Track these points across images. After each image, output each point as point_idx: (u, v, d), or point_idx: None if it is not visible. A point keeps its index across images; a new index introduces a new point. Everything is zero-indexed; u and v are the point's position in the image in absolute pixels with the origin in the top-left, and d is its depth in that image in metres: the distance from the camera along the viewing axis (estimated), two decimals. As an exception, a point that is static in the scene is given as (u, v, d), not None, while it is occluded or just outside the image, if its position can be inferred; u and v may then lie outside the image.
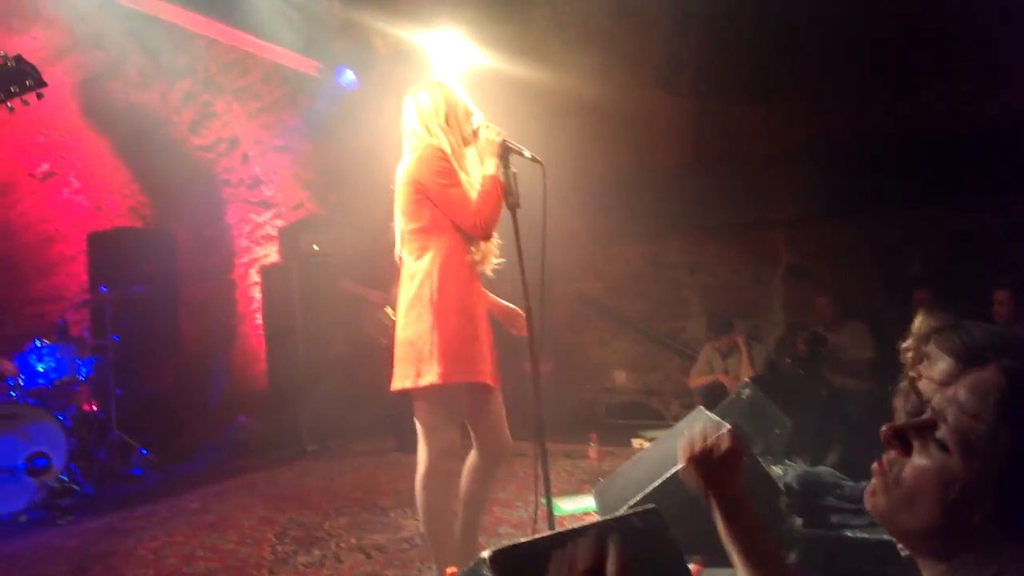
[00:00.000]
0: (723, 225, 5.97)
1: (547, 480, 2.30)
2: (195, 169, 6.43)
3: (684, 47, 5.57)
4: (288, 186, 6.43)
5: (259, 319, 6.27)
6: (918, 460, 0.77)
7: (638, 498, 2.53)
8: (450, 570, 1.86)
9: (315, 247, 5.99)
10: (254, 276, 6.42)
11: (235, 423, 5.87)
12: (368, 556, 3.03)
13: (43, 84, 1.87)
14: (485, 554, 1.41)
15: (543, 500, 2.36)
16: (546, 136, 5.55)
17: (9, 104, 1.81)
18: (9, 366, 4.79)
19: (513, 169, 2.34)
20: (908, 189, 5.11)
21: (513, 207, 2.32)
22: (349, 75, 5.87)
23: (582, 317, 6.35)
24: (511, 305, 2.54)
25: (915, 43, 5.16)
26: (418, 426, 2.36)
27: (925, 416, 0.79)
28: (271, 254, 6.40)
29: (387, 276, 5.46)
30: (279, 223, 6.36)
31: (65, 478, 4.20)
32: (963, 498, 0.72)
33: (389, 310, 5.33)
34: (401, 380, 2.32)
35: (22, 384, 4.50)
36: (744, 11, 5.21)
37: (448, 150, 2.34)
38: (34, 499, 4.03)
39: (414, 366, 2.28)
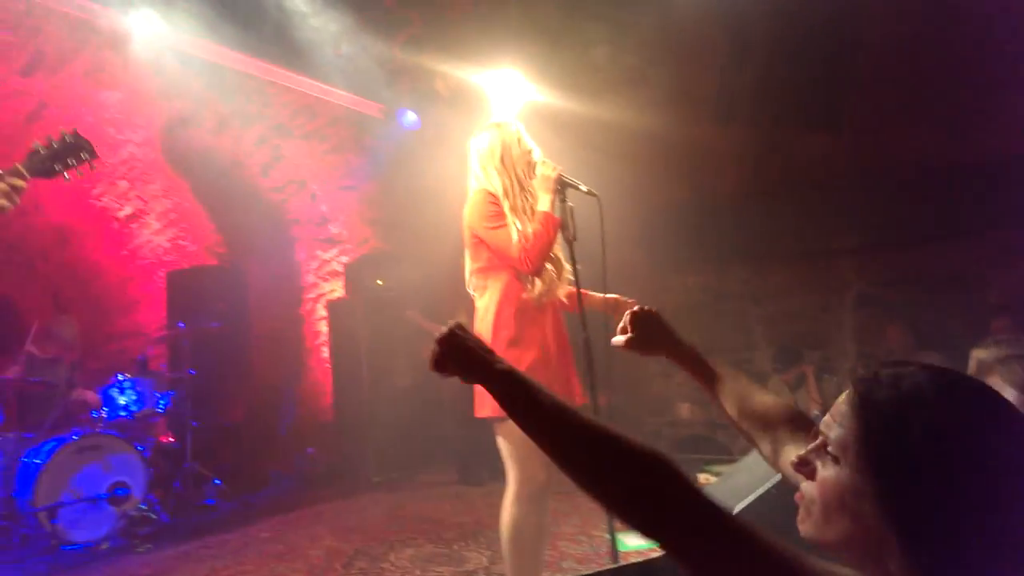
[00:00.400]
0: (788, 254, 5.85)
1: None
2: (266, 209, 6.72)
3: (741, 77, 5.56)
4: (353, 224, 6.64)
5: (326, 352, 6.44)
6: (820, 476, 0.82)
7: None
8: None
9: (379, 282, 6.14)
10: (321, 311, 6.62)
11: (303, 454, 6.02)
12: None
13: (95, 156, 2.12)
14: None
15: (607, 535, 2.34)
16: (603, 168, 5.60)
17: (66, 174, 2.05)
18: (93, 398, 5.06)
19: (570, 203, 2.41)
20: (983, 214, 4.92)
21: (570, 240, 2.38)
22: (411, 116, 6.06)
23: (643, 349, 6.29)
24: (611, 295, 2.53)
25: (988, 63, 5.01)
26: (504, 456, 2.41)
27: (819, 438, 0.84)
28: (337, 289, 6.60)
29: (449, 309, 5.57)
30: (345, 259, 6.56)
31: (144, 507, 4.38)
32: (863, 506, 0.75)
33: (451, 343, 5.41)
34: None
35: (105, 416, 4.74)
36: (802, 38, 5.18)
37: (501, 190, 2.44)
38: (115, 527, 4.21)
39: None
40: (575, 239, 2.37)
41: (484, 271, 2.47)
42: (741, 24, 5.34)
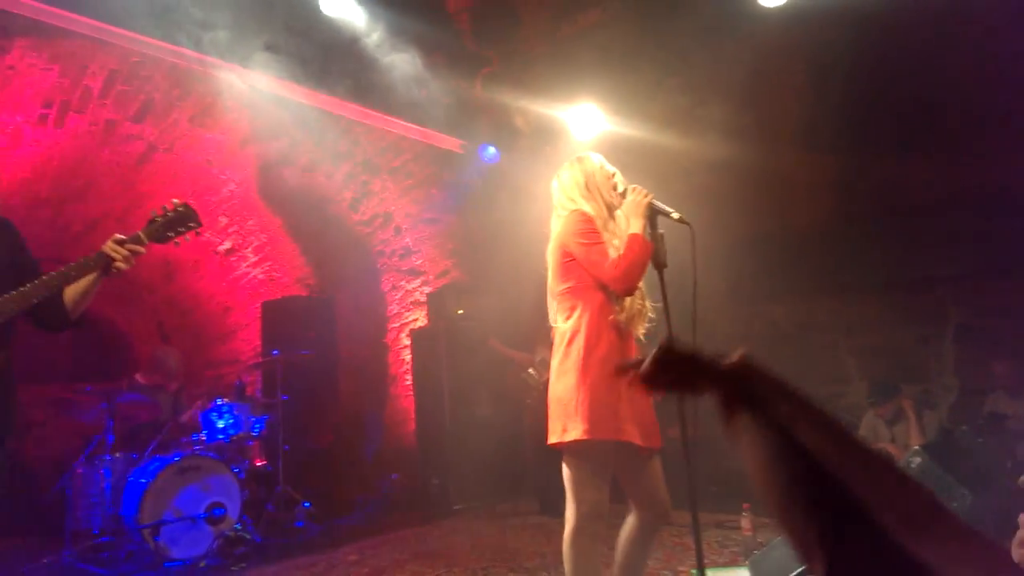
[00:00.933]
0: (881, 283, 5.61)
1: (699, 550, 2.23)
2: (355, 242, 7.00)
3: (822, 102, 5.44)
4: (435, 255, 6.82)
5: (409, 380, 6.59)
6: None
7: (798, 572, 2.40)
8: None
9: (460, 311, 6.27)
10: (404, 340, 6.80)
11: (388, 480, 6.14)
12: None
13: (201, 225, 2.36)
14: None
15: (693, 572, 2.29)
16: (684, 200, 5.55)
17: (176, 240, 2.31)
18: (194, 422, 5.36)
19: (660, 231, 2.39)
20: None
21: (660, 267, 2.35)
22: (491, 150, 6.21)
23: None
24: None
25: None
26: (566, 483, 2.36)
27: None
28: (420, 318, 6.76)
29: (530, 338, 5.62)
30: (427, 289, 6.73)
31: (238, 527, 4.57)
32: None
33: (532, 371, 5.44)
34: (551, 435, 2.36)
35: (204, 439, 5.00)
36: (886, 60, 5.02)
37: (592, 214, 2.43)
38: (212, 546, 4.41)
39: (561, 422, 2.32)
40: (666, 266, 2.34)
41: (573, 292, 2.43)
42: (822, 49, 5.24)
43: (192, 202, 2.39)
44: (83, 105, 4.88)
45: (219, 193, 6.57)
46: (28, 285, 2.00)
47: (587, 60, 5.64)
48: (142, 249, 2.15)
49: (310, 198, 6.71)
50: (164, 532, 4.37)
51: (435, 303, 6.46)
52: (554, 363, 2.44)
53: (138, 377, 5.71)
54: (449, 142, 6.24)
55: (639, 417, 2.33)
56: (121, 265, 2.11)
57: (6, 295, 1.97)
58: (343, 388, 7.11)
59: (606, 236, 2.40)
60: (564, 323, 2.43)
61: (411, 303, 6.91)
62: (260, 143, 6.01)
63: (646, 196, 2.41)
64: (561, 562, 2.42)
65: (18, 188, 5.59)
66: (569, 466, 2.35)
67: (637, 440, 2.30)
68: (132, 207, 6.64)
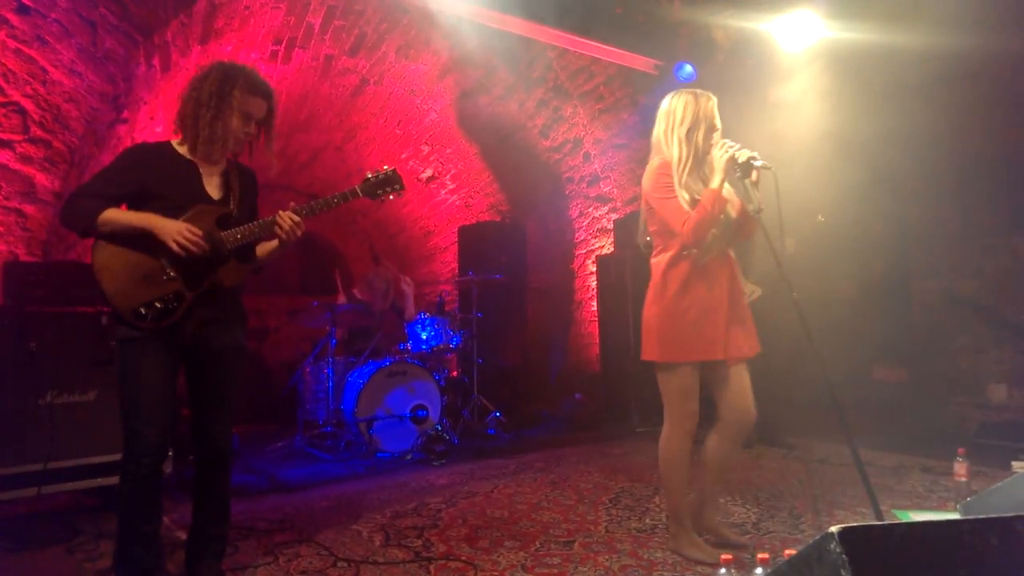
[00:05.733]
0: None
1: (868, 486, 2.27)
2: (544, 169, 7.11)
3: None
4: (624, 181, 6.73)
5: (594, 306, 6.68)
6: None
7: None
8: (724, 557, 1.88)
9: (648, 238, 6.18)
10: (590, 266, 6.87)
11: (571, 399, 6.36)
12: (698, 533, 3.07)
13: (403, 188, 2.60)
14: (834, 529, 1.37)
15: (895, 512, 2.25)
16: (914, 111, 4.96)
17: (383, 199, 2.57)
18: (401, 332, 5.88)
19: (752, 177, 2.58)
20: None
21: (756, 213, 2.58)
22: (688, 69, 5.92)
23: (950, 319, 5.50)
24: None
25: None
26: (663, 395, 2.74)
27: None
28: (607, 245, 6.78)
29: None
30: (614, 216, 6.70)
31: (439, 428, 5.02)
32: None
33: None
34: (642, 353, 2.77)
35: (410, 348, 5.49)
36: None
37: (677, 160, 2.63)
38: (416, 443, 4.90)
39: (646, 343, 2.73)
40: (761, 210, 2.54)
41: (656, 235, 2.74)
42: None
43: (399, 133, 2.65)
44: (306, 41, 5.36)
45: (421, 123, 6.95)
46: (256, 222, 2.37)
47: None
48: (300, 229, 2.37)
49: (503, 126, 6.88)
50: (376, 427, 4.92)
51: (622, 230, 6.42)
52: (648, 292, 2.77)
53: (355, 292, 6.37)
54: (642, 62, 6.04)
55: (715, 335, 2.62)
56: (282, 235, 2.35)
57: (251, 224, 2.36)
58: (531, 311, 7.39)
59: (688, 182, 2.61)
60: (653, 259, 2.77)
61: (598, 230, 6.93)
62: (459, 72, 6.23)
63: (730, 149, 2.57)
64: (747, 488, 2.68)
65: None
66: (659, 382, 2.73)
67: (712, 356, 2.64)
68: (348, 138, 7.25)
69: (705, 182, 2.63)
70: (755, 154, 2.58)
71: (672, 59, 6.08)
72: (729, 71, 5.90)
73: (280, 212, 2.36)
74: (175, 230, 2.19)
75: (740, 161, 2.57)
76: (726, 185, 2.61)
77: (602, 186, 6.79)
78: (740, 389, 2.70)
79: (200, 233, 2.22)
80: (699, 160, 2.67)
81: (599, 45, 5.75)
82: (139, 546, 2.25)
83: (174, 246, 2.18)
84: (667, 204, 2.60)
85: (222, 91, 2.28)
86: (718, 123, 2.68)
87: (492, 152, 7.26)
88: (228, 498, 2.51)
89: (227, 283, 2.36)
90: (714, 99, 2.70)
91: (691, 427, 2.70)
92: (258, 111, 2.37)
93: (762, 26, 5.41)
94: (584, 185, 6.92)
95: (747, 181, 2.57)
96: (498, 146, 7.15)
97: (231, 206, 2.39)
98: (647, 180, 2.69)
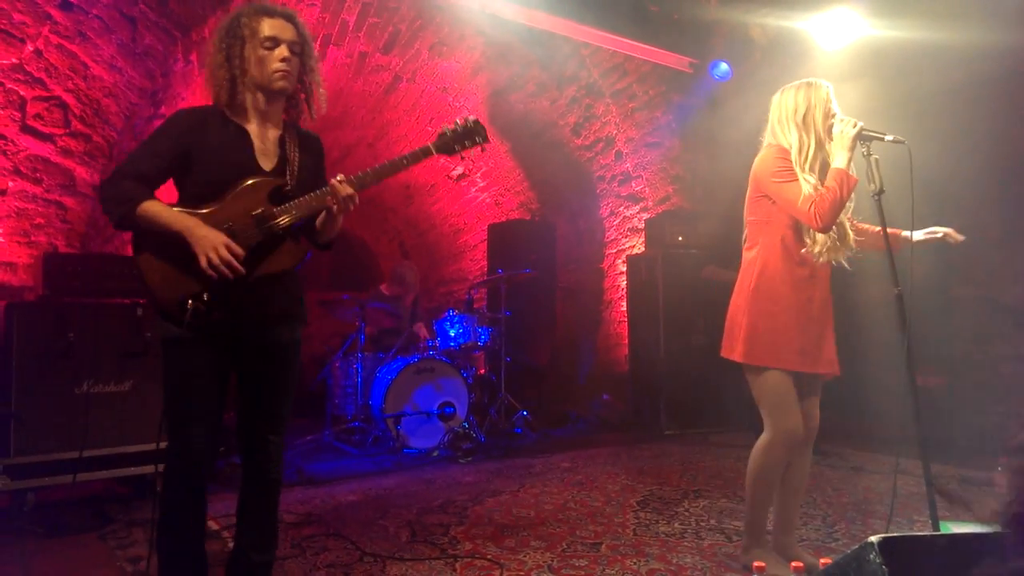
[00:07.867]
0: None
1: (932, 493, 2.19)
2: (575, 167, 7.07)
3: None
4: (656, 180, 6.66)
5: (624, 306, 6.63)
6: None
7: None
8: (757, 564, 1.82)
9: (680, 238, 6.11)
10: (621, 266, 6.81)
11: (599, 400, 6.32)
12: (729, 539, 3.03)
13: (487, 141, 2.33)
14: (874, 539, 1.35)
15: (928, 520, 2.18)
16: (956, 112, 4.82)
17: (462, 154, 2.31)
18: (425, 331, 5.89)
19: (875, 156, 2.30)
20: None
21: (878, 194, 2.28)
22: (723, 67, 5.84)
23: (991, 326, 5.35)
24: (927, 233, 2.53)
25: None
26: (758, 402, 2.56)
27: None
28: (637, 245, 6.71)
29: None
30: (645, 215, 6.63)
31: (466, 426, 5.02)
32: None
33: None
34: (723, 349, 2.63)
35: (438, 345, 5.49)
36: None
37: (795, 146, 2.46)
38: (443, 440, 4.90)
39: (729, 340, 2.59)
40: (883, 191, 2.26)
41: (758, 224, 2.56)
42: None
43: (431, 130, 2.53)
44: (340, 38, 5.39)
45: (453, 120, 6.94)
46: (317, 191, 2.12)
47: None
48: (354, 201, 2.13)
49: (534, 123, 6.85)
50: (404, 423, 4.93)
51: (653, 229, 6.35)
52: (737, 285, 2.62)
53: (383, 288, 6.39)
54: (676, 60, 5.97)
55: (805, 346, 2.47)
56: (334, 205, 2.11)
57: (303, 197, 2.10)
58: (560, 310, 7.35)
59: (803, 172, 2.42)
60: (747, 252, 2.61)
61: (629, 229, 6.87)
62: (492, 70, 6.21)
63: (855, 125, 2.35)
64: (783, 495, 2.64)
65: (289, 117, 6.37)
66: (752, 386, 2.57)
67: (797, 367, 2.47)
68: (380, 135, 7.29)
69: (826, 167, 2.43)
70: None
71: (707, 57, 6.01)
72: (766, 70, 5.81)
73: (336, 179, 2.10)
74: (211, 245, 1.94)
75: (867, 136, 2.35)
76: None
77: (634, 185, 6.73)
78: (815, 404, 2.61)
79: (241, 253, 1.98)
80: (820, 146, 2.48)
81: (633, 43, 5.70)
82: (184, 559, 2.07)
83: (204, 262, 1.93)
84: (790, 187, 2.40)
85: (231, 27, 2.08)
86: (835, 108, 2.49)
87: (523, 150, 7.24)
88: (277, 523, 2.25)
89: (281, 268, 2.12)
90: (829, 86, 2.53)
91: (792, 441, 2.49)
92: (281, 32, 2.08)
93: (800, 24, 5.31)
94: (615, 184, 6.86)
95: (872, 158, 2.30)
96: (529, 144, 7.12)
97: (286, 178, 2.12)
98: (762, 165, 2.51)
